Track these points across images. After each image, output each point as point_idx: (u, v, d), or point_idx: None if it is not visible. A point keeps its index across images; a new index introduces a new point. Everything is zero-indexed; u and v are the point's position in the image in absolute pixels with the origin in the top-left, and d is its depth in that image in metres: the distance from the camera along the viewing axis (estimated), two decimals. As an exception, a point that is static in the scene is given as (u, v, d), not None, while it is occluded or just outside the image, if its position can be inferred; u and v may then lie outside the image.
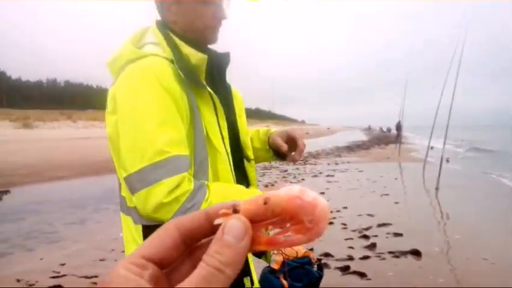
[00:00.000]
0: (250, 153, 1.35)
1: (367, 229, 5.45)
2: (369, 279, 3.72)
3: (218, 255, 0.27)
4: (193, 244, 0.31)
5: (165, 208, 0.96)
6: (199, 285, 0.26)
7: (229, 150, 1.17)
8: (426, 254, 4.34)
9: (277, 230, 0.33)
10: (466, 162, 16.36)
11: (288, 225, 0.32)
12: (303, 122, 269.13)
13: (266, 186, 9.66)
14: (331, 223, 5.88)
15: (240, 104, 1.38)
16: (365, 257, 4.32)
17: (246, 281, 1.12)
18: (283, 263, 2.72)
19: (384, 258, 4.28)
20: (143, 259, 0.28)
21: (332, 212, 6.62)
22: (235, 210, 0.29)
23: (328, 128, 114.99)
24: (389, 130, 60.81)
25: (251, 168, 1.35)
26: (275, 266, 2.74)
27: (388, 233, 5.23)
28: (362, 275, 3.80)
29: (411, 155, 19.27)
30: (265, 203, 0.30)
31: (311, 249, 4.64)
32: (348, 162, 15.64)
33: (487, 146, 28.21)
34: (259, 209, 0.30)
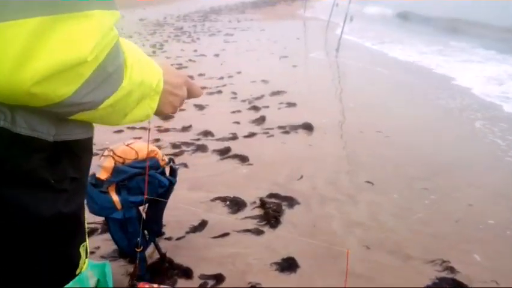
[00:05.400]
0: None
1: (259, 98, 4.77)
2: (251, 164, 3.11)
3: None
4: None
5: None
6: None
7: None
8: (319, 128, 3.84)
9: None
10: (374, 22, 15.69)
11: None
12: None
13: (154, 45, 8.30)
14: (219, 92, 5.08)
15: None
16: (251, 135, 3.69)
17: (82, 249, 0.67)
18: (114, 170, 1.86)
19: (272, 135, 3.70)
20: None
21: (222, 78, 5.76)
22: None
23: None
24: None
25: None
26: (102, 175, 1.85)
27: (281, 103, 4.61)
28: (243, 159, 3.17)
29: (319, 12, 18.42)
30: None
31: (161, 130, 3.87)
32: (251, 20, 14.40)
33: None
34: None
